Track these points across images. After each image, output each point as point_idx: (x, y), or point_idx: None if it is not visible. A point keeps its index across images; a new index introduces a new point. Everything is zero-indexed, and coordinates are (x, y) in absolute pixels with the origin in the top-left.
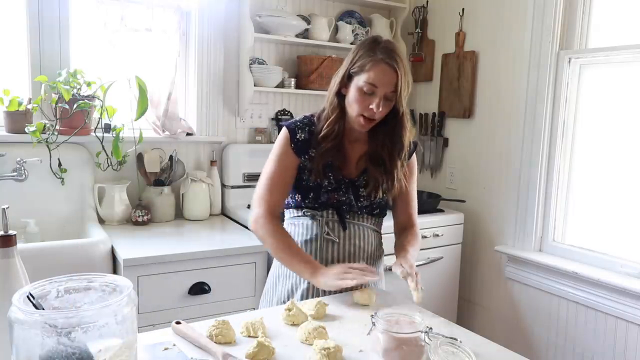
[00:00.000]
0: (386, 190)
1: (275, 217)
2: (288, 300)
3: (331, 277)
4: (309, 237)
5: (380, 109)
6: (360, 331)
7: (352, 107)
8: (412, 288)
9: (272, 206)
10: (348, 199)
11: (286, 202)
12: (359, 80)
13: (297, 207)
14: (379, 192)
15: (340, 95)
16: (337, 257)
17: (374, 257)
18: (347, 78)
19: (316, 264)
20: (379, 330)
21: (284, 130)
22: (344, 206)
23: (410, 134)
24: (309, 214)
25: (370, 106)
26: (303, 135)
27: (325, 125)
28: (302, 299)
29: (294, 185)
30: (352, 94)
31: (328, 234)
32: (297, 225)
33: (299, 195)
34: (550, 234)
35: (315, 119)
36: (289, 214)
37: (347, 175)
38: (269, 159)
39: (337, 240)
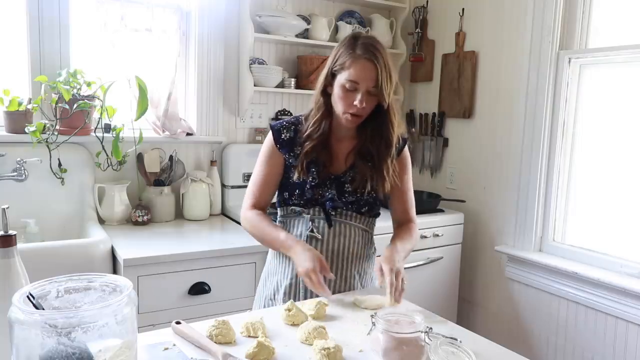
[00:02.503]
0: (375, 186)
1: (259, 210)
2: (274, 297)
3: (300, 269)
4: (294, 234)
5: (364, 105)
6: (360, 331)
7: (337, 105)
8: (387, 293)
9: (258, 203)
10: (331, 194)
11: (277, 201)
12: (341, 78)
13: (286, 204)
14: (367, 187)
15: (326, 94)
16: (322, 255)
17: (362, 257)
18: (331, 76)
19: (289, 242)
20: (379, 330)
21: (270, 131)
22: (327, 202)
23: (398, 128)
24: (296, 211)
25: (354, 102)
26: (288, 135)
27: (311, 124)
28: (284, 295)
29: (282, 184)
30: (336, 92)
31: (312, 230)
32: (285, 223)
33: (287, 193)
34: (550, 234)
35: (302, 118)
36: (279, 212)
37: (334, 171)
38: (257, 159)
39: (320, 237)
